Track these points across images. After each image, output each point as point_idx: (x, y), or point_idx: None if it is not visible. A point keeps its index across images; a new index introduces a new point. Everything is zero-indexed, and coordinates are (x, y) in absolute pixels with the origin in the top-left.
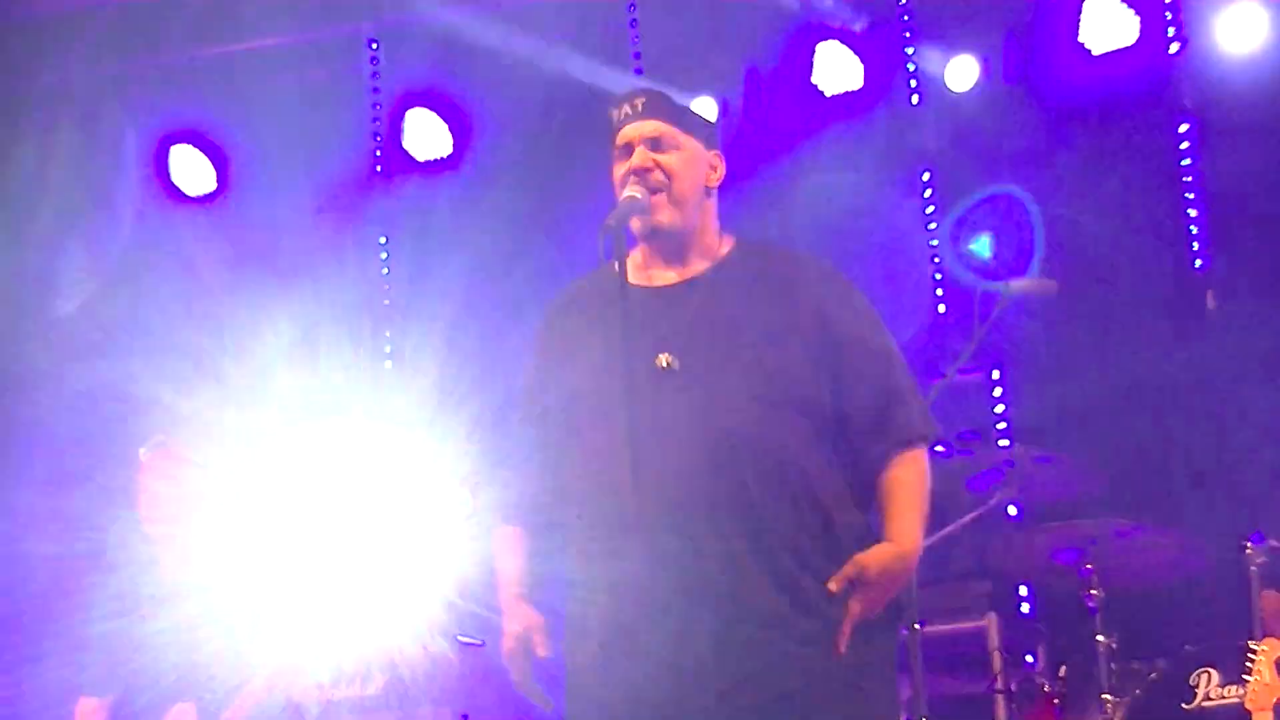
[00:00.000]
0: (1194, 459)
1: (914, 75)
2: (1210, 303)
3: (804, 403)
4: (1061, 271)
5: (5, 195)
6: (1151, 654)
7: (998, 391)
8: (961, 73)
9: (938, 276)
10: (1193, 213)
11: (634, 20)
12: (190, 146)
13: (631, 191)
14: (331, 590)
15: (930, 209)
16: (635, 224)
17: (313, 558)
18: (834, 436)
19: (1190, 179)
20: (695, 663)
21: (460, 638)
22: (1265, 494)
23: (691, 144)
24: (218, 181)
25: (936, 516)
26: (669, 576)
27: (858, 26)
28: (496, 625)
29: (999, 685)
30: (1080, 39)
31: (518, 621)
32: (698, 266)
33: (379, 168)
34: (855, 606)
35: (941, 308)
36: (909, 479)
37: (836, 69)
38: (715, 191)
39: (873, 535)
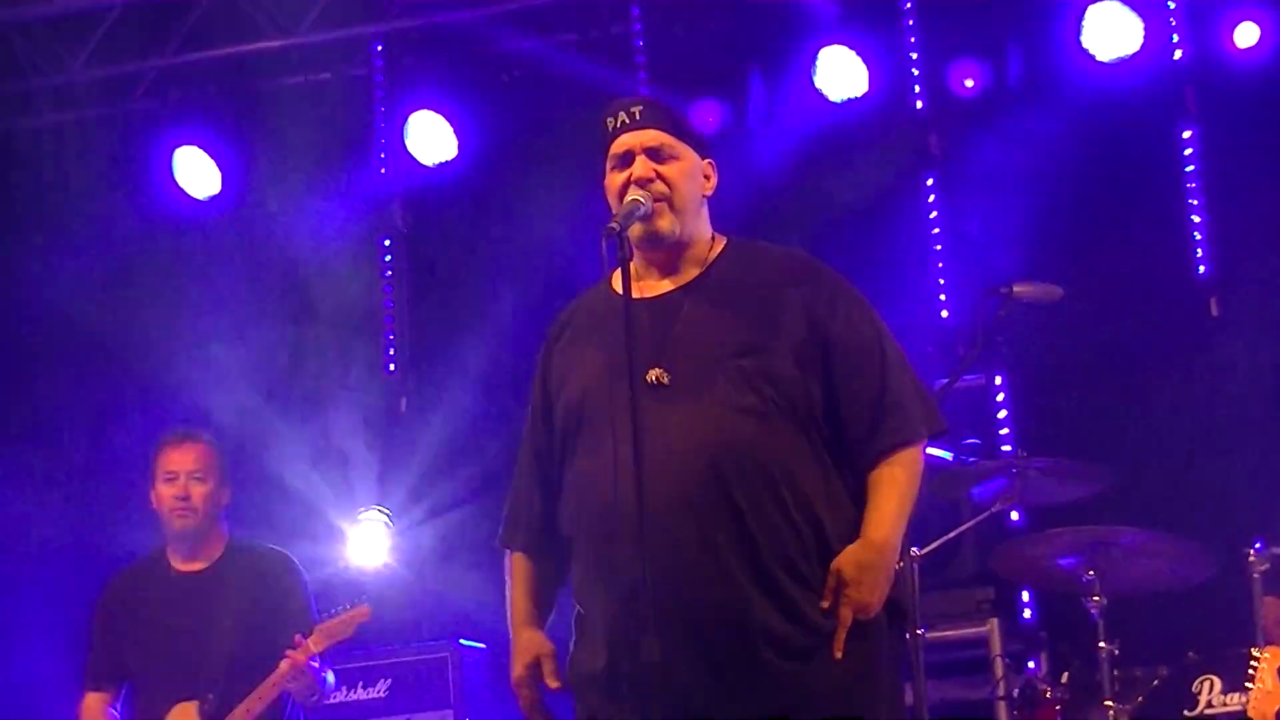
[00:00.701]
0: (1196, 465)
1: (918, 80)
2: (1213, 309)
3: (793, 409)
4: (1065, 277)
5: (6, 196)
6: (1153, 661)
7: (1000, 397)
8: (965, 78)
9: (941, 281)
10: (1196, 219)
11: (637, 25)
12: (196, 149)
13: (635, 196)
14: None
15: (934, 214)
16: (635, 230)
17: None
18: (828, 439)
19: (1193, 185)
20: (691, 677)
21: (462, 641)
22: (1268, 501)
23: (688, 153)
24: (222, 184)
25: (939, 523)
26: (663, 591)
27: None
28: (498, 628)
29: (1001, 691)
30: (1085, 45)
31: (526, 650)
32: (688, 274)
33: (383, 170)
34: (845, 612)
35: (945, 313)
36: (894, 475)
37: (841, 74)
38: (708, 200)
39: None
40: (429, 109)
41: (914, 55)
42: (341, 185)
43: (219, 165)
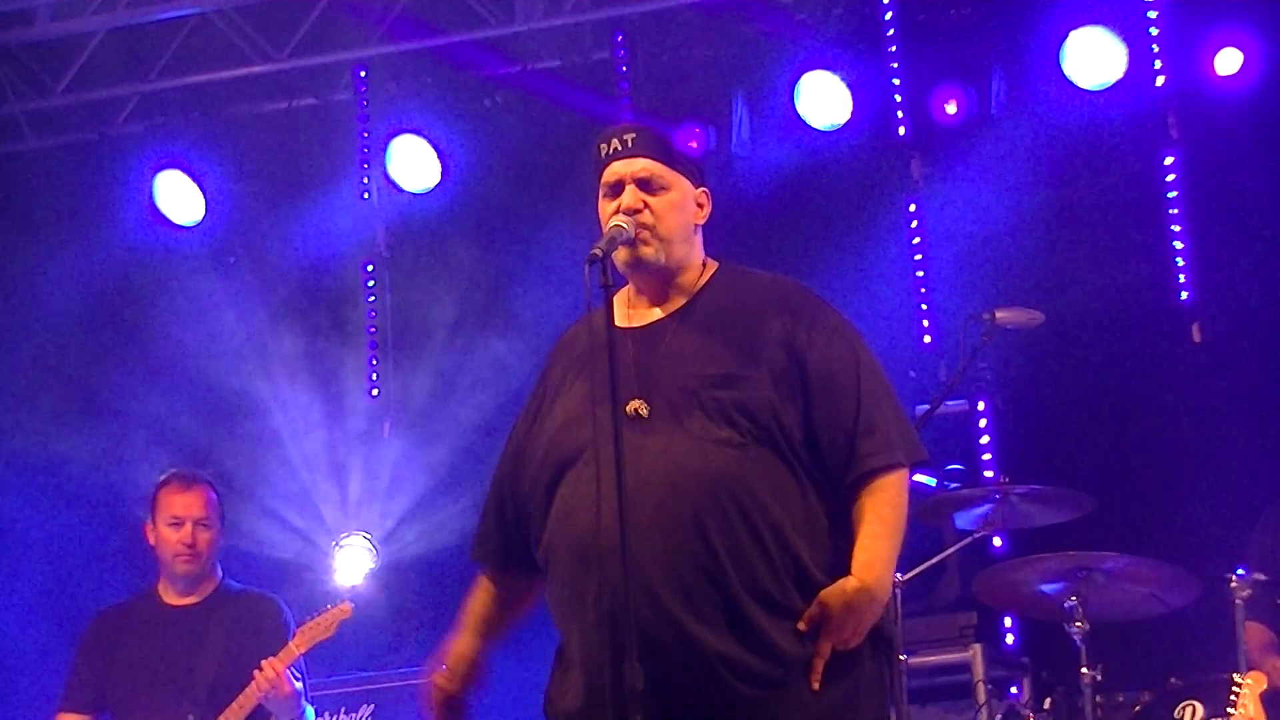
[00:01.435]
0: (1179, 491)
1: (901, 106)
2: (1195, 335)
3: (770, 439)
4: (1047, 303)
5: None
6: (1136, 686)
7: (983, 423)
8: (947, 104)
9: (923, 307)
10: (1178, 245)
11: (621, 50)
12: (178, 174)
13: (618, 222)
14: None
15: (916, 240)
16: (620, 256)
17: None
18: (808, 467)
19: (1176, 211)
20: (667, 708)
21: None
22: (1250, 527)
23: (680, 183)
24: (205, 209)
25: (922, 548)
26: (637, 621)
27: None
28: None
29: (983, 717)
30: (1067, 71)
31: (455, 652)
32: (676, 302)
33: (366, 195)
34: (824, 646)
35: (927, 338)
36: (878, 508)
37: (824, 99)
38: (700, 227)
39: (847, 567)
40: (412, 134)
41: (896, 81)
42: (324, 210)
43: (202, 191)
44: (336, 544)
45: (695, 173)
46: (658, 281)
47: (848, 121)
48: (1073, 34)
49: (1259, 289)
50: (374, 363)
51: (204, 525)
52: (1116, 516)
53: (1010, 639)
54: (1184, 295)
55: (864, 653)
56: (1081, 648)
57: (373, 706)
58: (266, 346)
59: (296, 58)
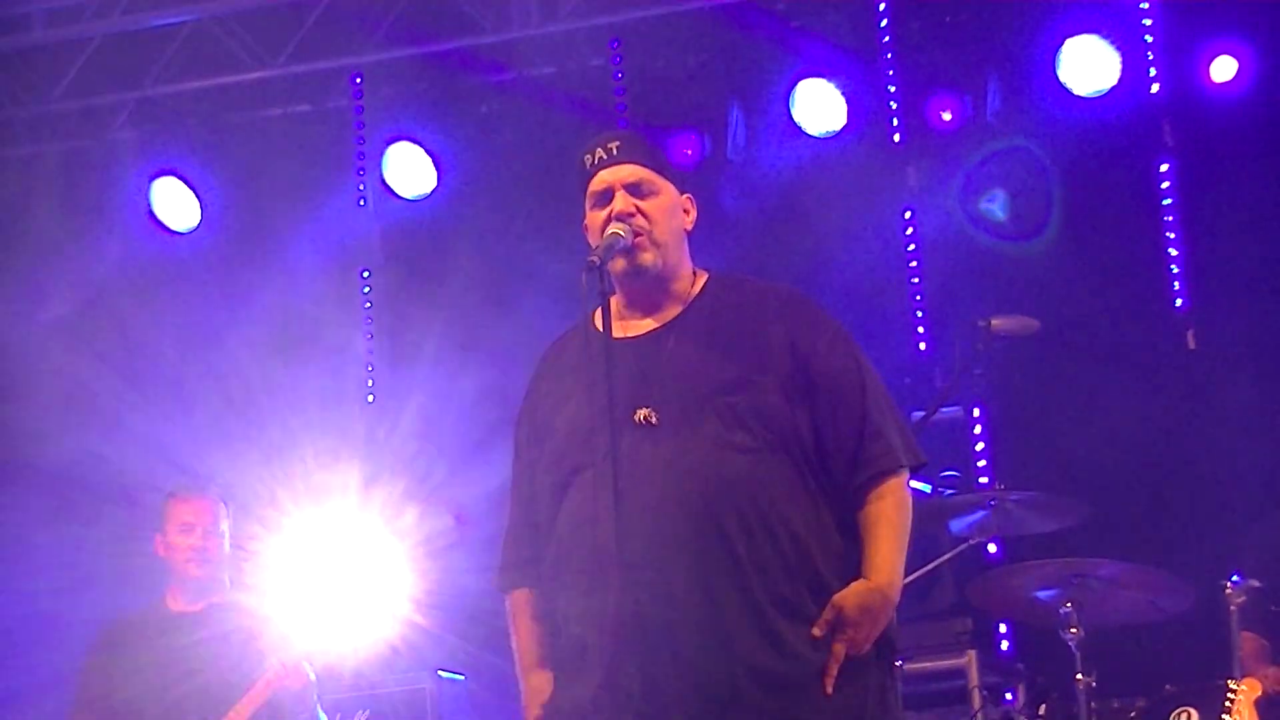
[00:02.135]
0: (1174, 498)
1: (896, 113)
2: (1190, 342)
3: (783, 444)
4: (1042, 310)
5: None
6: (1131, 693)
7: (979, 429)
8: (943, 111)
9: (919, 314)
10: (1173, 252)
11: (616, 58)
12: (174, 180)
13: (615, 229)
14: (316, 619)
15: (911, 247)
16: (617, 265)
17: (297, 590)
18: (817, 471)
19: (1171, 219)
20: (678, 711)
21: (441, 672)
22: (1244, 534)
23: (668, 188)
24: (201, 215)
25: (917, 554)
26: (651, 627)
27: None
28: (477, 658)
29: None
30: (1062, 78)
31: (539, 692)
32: (671, 311)
33: (362, 202)
34: (839, 649)
35: (923, 345)
36: (886, 511)
37: (820, 107)
38: (688, 235)
39: (857, 571)
40: (408, 141)
41: (892, 89)
42: (320, 217)
43: (198, 197)
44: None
45: (680, 180)
46: (651, 290)
47: (843, 128)
48: (1068, 41)
49: (1254, 296)
50: (369, 369)
51: (213, 532)
52: (1111, 523)
53: (1005, 645)
54: (1179, 302)
55: (870, 657)
56: (1076, 654)
57: (368, 712)
58: (262, 353)
59: (293, 64)
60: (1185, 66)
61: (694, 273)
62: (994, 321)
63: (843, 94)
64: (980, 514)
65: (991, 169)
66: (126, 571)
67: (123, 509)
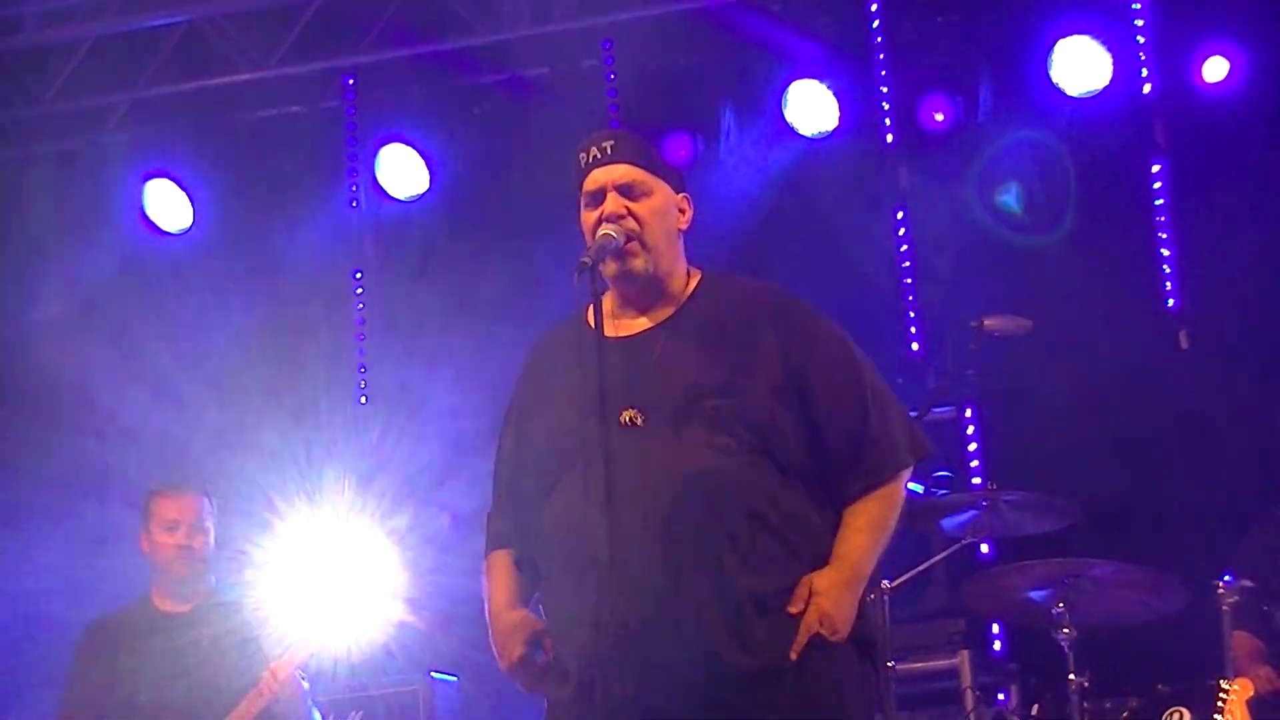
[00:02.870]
0: (1166, 498)
1: (888, 114)
2: (1183, 342)
3: (768, 448)
4: (1035, 310)
5: None
6: (1124, 693)
7: (971, 429)
8: (935, 112)
9: (911, 314)
10: (1165, 252)
11: (609, 57)
12: (167, 181)
13: (607, 231)
14: (309, 620)
15: (904, 247)
16: (609, 268)
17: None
18: (806, 475)
19: (1163, 219)
20: (659, 710)
21: (434, 674)
22: (1237, 534)
23: (662, 188)
24: (194, 217)
25: (909, 555)
26: (635, 626)
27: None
28: (470, 659)
29: None
30: (1054, 79)
31: (521, 627)
32: (664, 311)
33: (355, 203)
34: (810, 619)
35: (915, 345)
36: (871, 509)
37: (812, 107)
38: (683, 234)
39: None
40: (400, 142)
41: (884, 89)
42: (313, 218)
43: (190, 198)
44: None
45: (676, 179)
46: (644, 291)
47: (835, 129)
48: (1060, 42)
49: (1246, 296)
50: (362, 369)
51: (199, 529)
52: (1104, 523)
53: (998, 645)
54: (1171, 302)
55: (849, 657)
56: (1069, 654)
57: (361, 713)
58: (255, 353)
59: (285, 65)
60: (1177, 67)
61: (688, 272)
62: (986, 321)
63: (835, 95)
64: (973, 514)
65: (1005, 162)
66: (115, 570)
67: (116, 509)
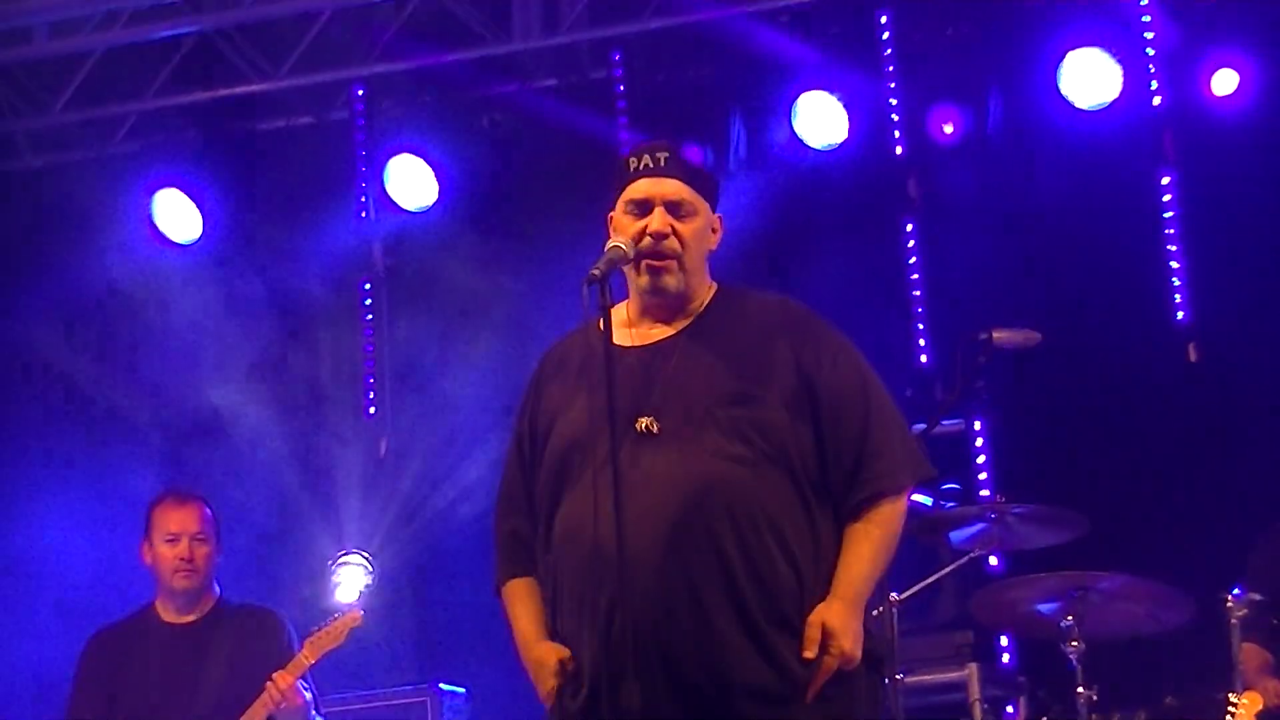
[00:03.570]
0: (1175, 511)
1: (898, 126)
2: (1192, 355)
3: (783, 458)
4: (1044, 323)
5: None
6: (1132, 706)
7: (980, 442)
8: (944, 124)
9: (920, 326)
10: (1174, 265)
11: (618, 70)
12: (176, 192)
13: (616, 242)
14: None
15: (913, 259)
16: (643, 282)
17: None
18: (815, 486)
19: (1172, 231)
20: (669, 716)
21: (442, 685)
22: (1246, 547)
23: (704, 209)
24: (203, 228)
25: (918, 567)
26: (645, 636)
27: None
28: (477, 672)
29: None
30: (1064, 91)
31: (551, 654)
32: (681, 322)
33: (364, 214)
34: (829, 661)
35: (924, 358)
36: (870, 530)
37: (821, 119)
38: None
39: None
40: (409, 153)
41: (894, 101)
42: (322, 229)
43: (200, 209)
44: (334, 562)
45: (714, 196)
46: (667, 305)
47: (845, 141)
48: (1069, 54)
49: (1255, 308)
50: (371, 381)
51: (200, 540)
52: (1113, 536)
53: (1006, 658)
54: (1180, 315)
55: (857, 672)
56: (1078, 667)
57: None
58: (264, 364)
59: (294, 76)
60: (1187, 79)
61: (708, 285)
62: (996, 334)
63: (844, 106)
64: (981, 527)
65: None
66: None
67: (121, 515)
